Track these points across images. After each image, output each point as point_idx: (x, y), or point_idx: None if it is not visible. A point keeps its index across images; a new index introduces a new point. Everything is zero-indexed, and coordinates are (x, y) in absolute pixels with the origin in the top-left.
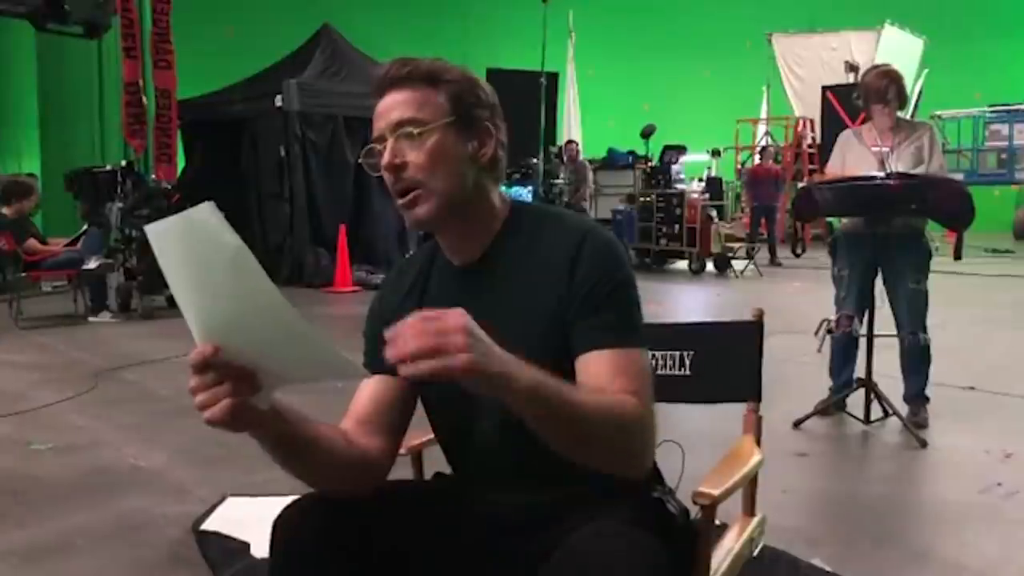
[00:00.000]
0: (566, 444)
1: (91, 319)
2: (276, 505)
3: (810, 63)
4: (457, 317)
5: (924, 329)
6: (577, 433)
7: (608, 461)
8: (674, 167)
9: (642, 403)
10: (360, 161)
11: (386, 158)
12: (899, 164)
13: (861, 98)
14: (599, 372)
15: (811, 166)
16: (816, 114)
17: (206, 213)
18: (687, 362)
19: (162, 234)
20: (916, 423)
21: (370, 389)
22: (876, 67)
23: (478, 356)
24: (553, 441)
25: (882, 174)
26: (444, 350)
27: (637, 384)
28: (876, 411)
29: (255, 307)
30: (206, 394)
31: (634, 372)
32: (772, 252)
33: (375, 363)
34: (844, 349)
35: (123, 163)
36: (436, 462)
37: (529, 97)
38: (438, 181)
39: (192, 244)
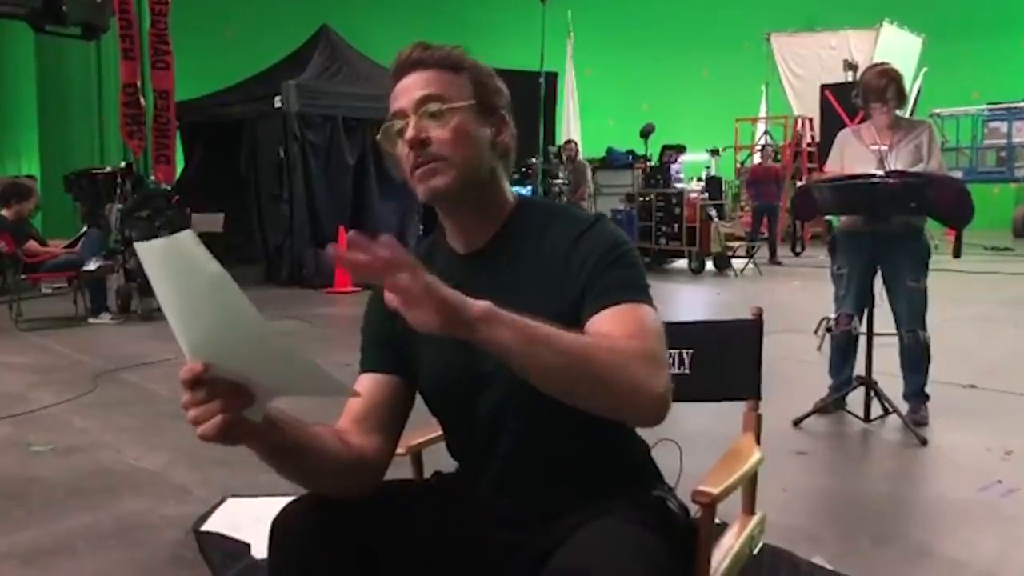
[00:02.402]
0: (565, 379)
1: (91, 320)
2: (276, 505)
3: (809, 62)
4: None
5: (924, 327)
6: (575, 366)
7: (617, 399)
8: (673, 166)
9: (645, 343)
10: (377, 138)
11: (410, 133)
12: (898, 162)
13: (860, 97)
14: (602, 327)
15: (810, 165)
16: (815, 113)
17: (187, 241)
18: (686, 360)
19: (148, 254)
20: (916, 421)
21: (366, 386)
22: (875, 66)
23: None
24: (550, 383)
25: (881, 172)
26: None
27: (639, 329)
28: (876, 409)
29: (239, 332)
30: (198, 410)
31: (636, 320)
32: (772, 251)
33: (373, 359)
34: (844, 347)
35: (122, 164)
36: (435, 461)
37: (528, 97)
38: (460, 157)
39: (175, 268)
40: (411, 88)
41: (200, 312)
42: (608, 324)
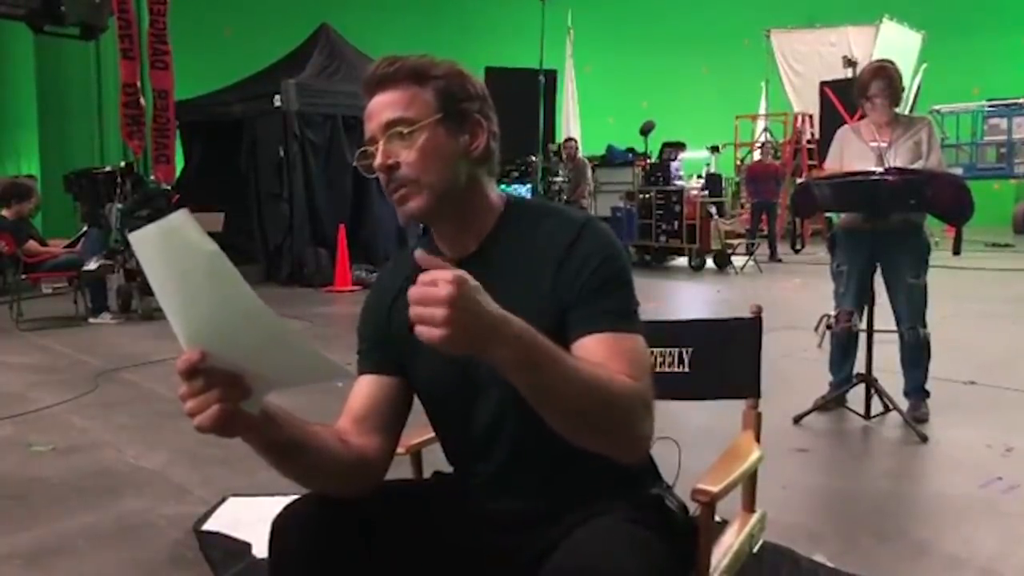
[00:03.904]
0: (563, 416)
1: (91, 320)
2: (277, 505)
3: (808, 59)
4: (445, 286)
5: (924, 324)
6: (573, 402)
7: (606, 438)
8: (673, 164)
9: (639, 383)
10: (355, 164)
11: (378, 160)
12: (897, 159)
13: (857, 93)
14: (596, 354)
15: (810, 162)
16: (815, 110)
17: (181, 220)
18: (686, 359)
19: (142, 242)
20: (916, 418)
21: (366, 387)
22: (873, 63)
23: (456, 330)
24: (550, 413)
25: (880, 169)
26: (428, 320)
27: (634, 367)
28: (876, 406)
29: (235, 312)
30: (195, 401)
31: (631, 355)
32: (772, 248)
33: (371, 360)
34: (844, 344)
35: (122, 164)
36: (435, 461)
37: (528, 95)
38: (431, 177)
39: (170, 251)
40: (378, 112)
41: (197, 296)
42: (602, 353)
